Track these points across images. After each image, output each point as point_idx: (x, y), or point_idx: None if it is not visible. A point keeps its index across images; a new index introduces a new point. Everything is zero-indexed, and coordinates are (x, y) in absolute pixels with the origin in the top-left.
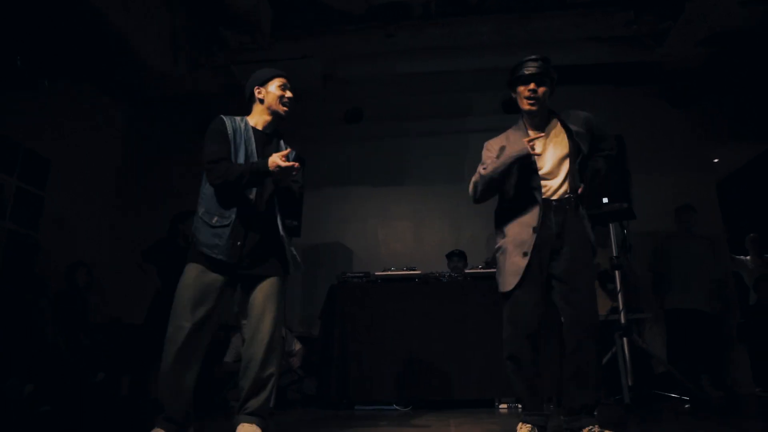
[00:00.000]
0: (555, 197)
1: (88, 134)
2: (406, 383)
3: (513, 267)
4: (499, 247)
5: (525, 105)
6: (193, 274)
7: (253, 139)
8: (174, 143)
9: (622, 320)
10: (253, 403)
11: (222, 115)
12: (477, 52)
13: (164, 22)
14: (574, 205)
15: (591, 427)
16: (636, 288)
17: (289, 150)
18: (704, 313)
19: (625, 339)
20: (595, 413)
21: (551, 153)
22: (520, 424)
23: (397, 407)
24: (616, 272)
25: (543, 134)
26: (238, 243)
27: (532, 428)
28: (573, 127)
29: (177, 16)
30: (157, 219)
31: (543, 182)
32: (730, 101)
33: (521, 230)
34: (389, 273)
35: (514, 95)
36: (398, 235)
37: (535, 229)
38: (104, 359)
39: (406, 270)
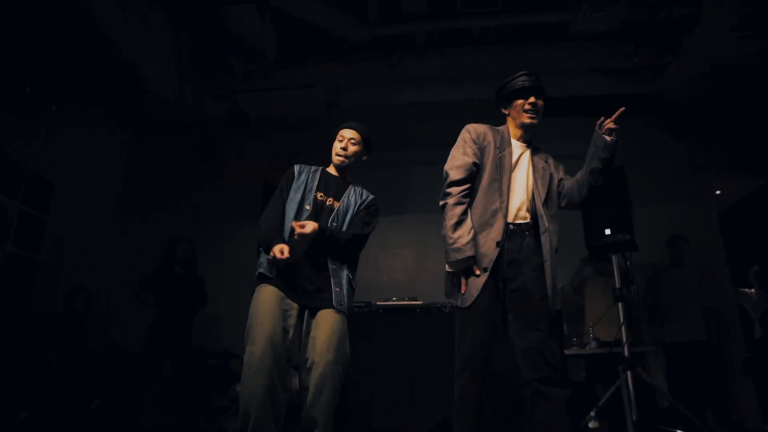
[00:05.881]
0: (512, 221)
1: (92, 158)
2: (406, 414)
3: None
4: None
5: (525, 118)
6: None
7: (317, 179)
8: (178, 168)
9: (626, 353)
10: None
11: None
12: (479, 82)
13: (170, 49)
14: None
15: None
16: (639, 320)
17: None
18: (703, 344)
19: (629, 372)
20: None
21: (517, 174)
22: None
23: None
24: (620, 305)
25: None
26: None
27: None
28: (537, 163)
29: (183, 43)
30: (157, 244)
31: (504, 203)
32: (730, 133)
33: (485, 242)
34: (390, 303)
35: (505, 111)
36: (400, 264)
37: (498, 244)
38: (100, 386)
39: (407, 300)
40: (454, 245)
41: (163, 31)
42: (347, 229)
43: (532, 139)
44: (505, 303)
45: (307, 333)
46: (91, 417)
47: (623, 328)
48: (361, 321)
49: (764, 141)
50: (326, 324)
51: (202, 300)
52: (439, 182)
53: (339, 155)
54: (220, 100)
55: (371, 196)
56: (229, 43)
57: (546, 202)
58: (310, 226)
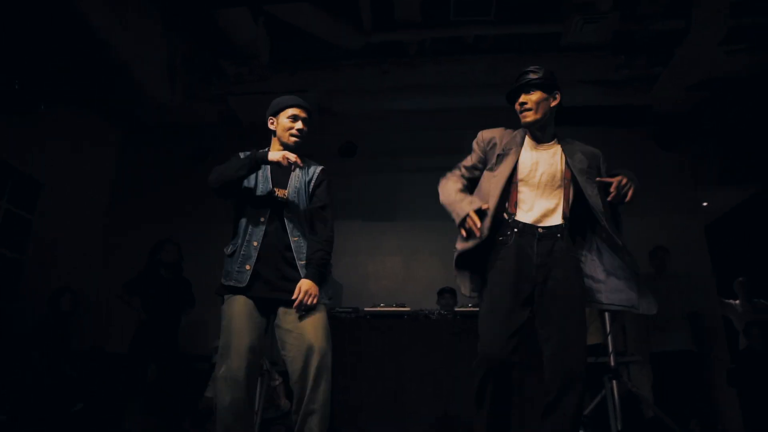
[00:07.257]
0: (541, 224)
1: (84, 158)
2: (395, 420)
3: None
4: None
5: (522, 120)
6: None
7: (269, 171)
8: (168, 170)
9: (612, 363)
10: None
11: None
12: (471, 90)
13: (163, 51)
14: (566, 235)
15: None
16: (624, 330)
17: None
18: (688, 353)
19: (614, 382)
20: None
21: (541, 175)
22: None
23: None
24: (606, 315)
25: (478, 226)
26: (246, 267)
27: None
28: (575, 163)
29: (176, 45)
30: (147, 245)
31: (525, 206)
32: (718, 145)
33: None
34: (378, 309)
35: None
36: (388, 271)
37: (488, 230)
38: (86, 388)
39: (395, 306)
40: (453, 213)
41: (157, 34)
42: (305, 209)
43: (559, 138)
44: (533, 309)
45: (286, 328)
46: (74, 420)
47: (609, 338)
48: (350, 326)
49: (752, 153)
50: (308, 316)
51: (191, 302)
52: (429, 190)
53: (295, 136)
54: (213, 103)
55: (318, 168)
56: (222, 46)
57: (605, 205)
58: (313, 295)
